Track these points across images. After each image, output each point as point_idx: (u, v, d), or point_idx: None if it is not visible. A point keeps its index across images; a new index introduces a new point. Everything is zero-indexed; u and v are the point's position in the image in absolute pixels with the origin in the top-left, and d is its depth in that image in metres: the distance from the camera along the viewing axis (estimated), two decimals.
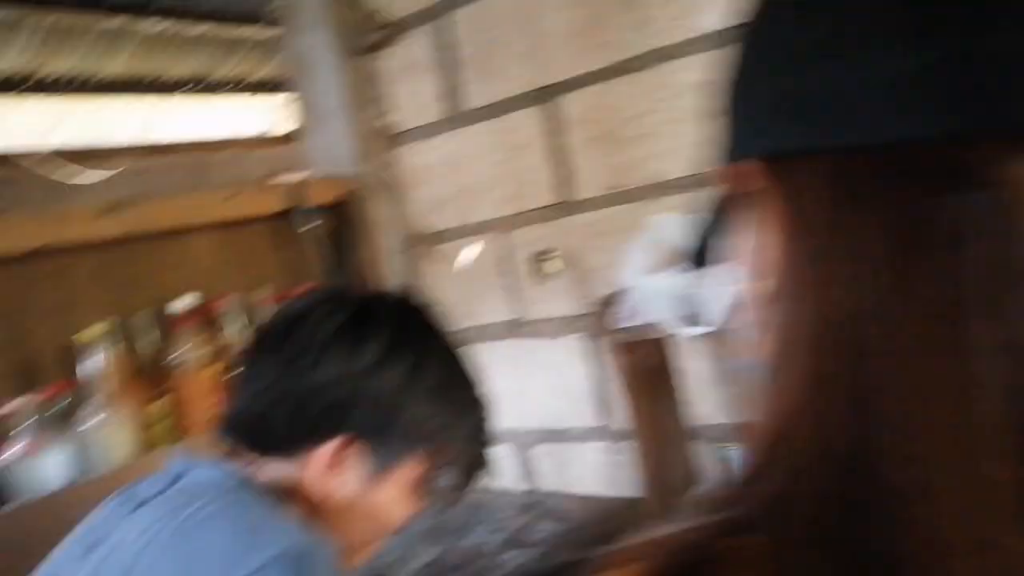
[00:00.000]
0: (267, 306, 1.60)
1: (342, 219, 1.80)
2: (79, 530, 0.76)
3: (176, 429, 1.41)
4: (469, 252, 1.79)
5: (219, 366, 1.45)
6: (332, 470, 0.78)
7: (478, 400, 0.89)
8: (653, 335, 1.24)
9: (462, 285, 1.83)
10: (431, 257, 1.86)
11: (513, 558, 1.56)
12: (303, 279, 1.70)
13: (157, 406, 1.39)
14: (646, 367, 1.32)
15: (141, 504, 0.72)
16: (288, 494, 0.77)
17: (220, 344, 1.50)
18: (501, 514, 1.80)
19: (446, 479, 0.86)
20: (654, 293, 1.18)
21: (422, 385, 0.81)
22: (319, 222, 1.68)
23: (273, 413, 0.78)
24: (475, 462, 0.89)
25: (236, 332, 1.53)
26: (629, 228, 1.38)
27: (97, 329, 1.35)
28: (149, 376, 1.40)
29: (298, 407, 0.77)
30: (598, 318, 1.27)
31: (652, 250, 1.21)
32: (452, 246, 1.82)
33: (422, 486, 0.84)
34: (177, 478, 0.76)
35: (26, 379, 1.34)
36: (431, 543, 1.72)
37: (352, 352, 0.78)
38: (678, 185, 1.48)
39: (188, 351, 1.41)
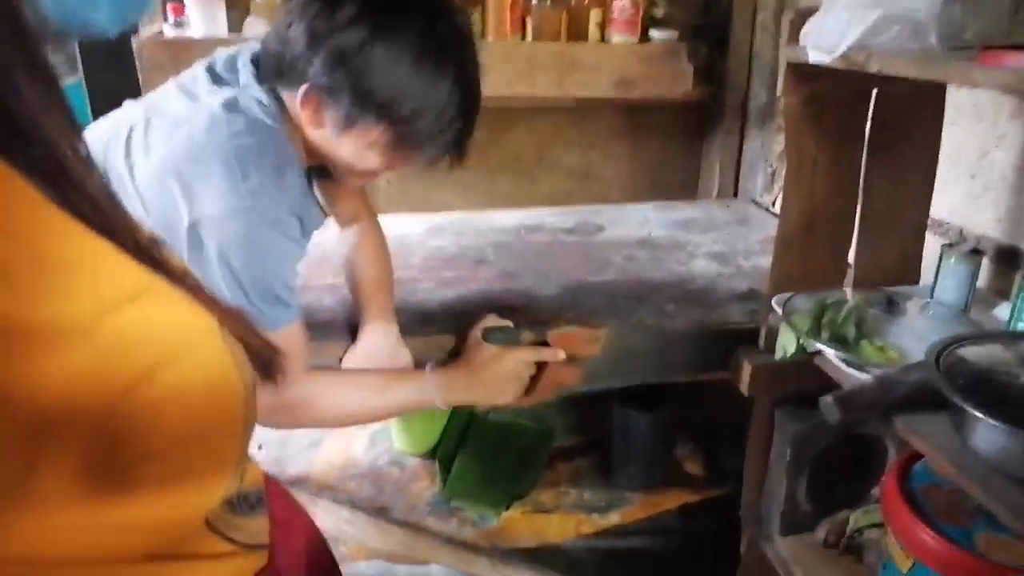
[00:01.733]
0: None
1: None
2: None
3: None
4: None
5: None
6: (303, 110, 0.92)
7: (450, 88, 0.89)
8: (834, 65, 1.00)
9: None
10: None
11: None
12: None
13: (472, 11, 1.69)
14: (820, 101, 1.09)
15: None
16: (292, 117, 0.95)
17: None
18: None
19: (416, 151, 0.95)
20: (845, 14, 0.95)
21: (383, 54, 0.86)
22: None
23: (275, 55, 0.93)
24: (441, 144, 0.95)
25: None
26: None
27: None
28: None
29: (280, 53, 0.92)
30: (793, 34, 1.06)
31: None
32: None
33: (391, 150, 0.94)
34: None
35: None
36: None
37: (324, 10, 0.87)
38: None
39: None
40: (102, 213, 0.37)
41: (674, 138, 2.12)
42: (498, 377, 1.11)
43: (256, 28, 1.64)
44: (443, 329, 1.25)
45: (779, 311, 1.12)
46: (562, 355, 1.18)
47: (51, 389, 0.32)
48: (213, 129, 0.90)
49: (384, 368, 1.16)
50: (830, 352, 1.00)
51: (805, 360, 1.08)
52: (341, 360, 1.20)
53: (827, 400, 0.86)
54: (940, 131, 1.19)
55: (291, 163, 0.96)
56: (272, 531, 0.57)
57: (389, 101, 0.89)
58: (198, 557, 0.47)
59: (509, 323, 1.21)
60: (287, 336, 0.96)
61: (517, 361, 1.12)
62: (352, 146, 0.95)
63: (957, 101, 1.28)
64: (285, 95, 0.96)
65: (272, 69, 0.95)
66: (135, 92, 1.01)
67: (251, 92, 0.95)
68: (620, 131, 2.10)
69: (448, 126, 0.93)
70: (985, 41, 0.75)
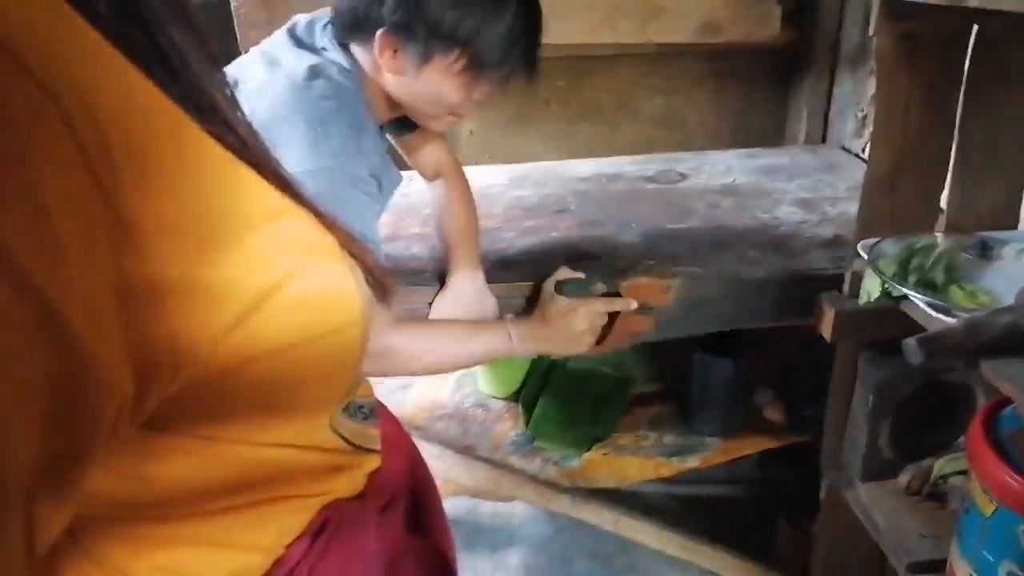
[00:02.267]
0: None
1: None
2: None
3: None
4: None
5: None
6: (382, 56, 0.99)
7: (507, 11, 0.96)
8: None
9: None
10: None
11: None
12: None
13: None
14: (914, 40, 1.05)
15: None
16: (369, 75, 1.03)
17: None
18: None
19: (490, 73, 1.00)
20: None
21: None
22: None
23: (349, 9, 1.00)
24: (513, 61, 1.01)
25: None
26: None
27: None
28: None
29: (354, 6, 0.98)
30: None
31: None
32: None
33: (467, 77, 1.00)
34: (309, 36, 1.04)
35: None
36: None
37: None
38: None
39: None
40: (246, 143, 0.43)
41: (760, 83, 2.07)
42: (572, 328, 1.15)
43: None
44: (524, 276, 1.29)
45: (864, 256, 1.11)
46: (634, 305, 1.20)
47: (198, 307, 0.38)
48: (296, 92, 0.96)
49: (467, 319, 1.21)
50: (916, 296, 0.99)
51: (890, 306, 1.07)
52: (431, 304, 1.26)
53: (910, 342, 0.86)
54: None
55: (368, 127, 1.02)
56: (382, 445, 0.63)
57: (458, 25, 0.95)
58: (321, 449, 0.54)
59: (581, 275, 1.23)
60: None
61: (590, 312, 1.15)
62: (431, 82, 1.01)
63: None
64: (361, 52, 1.01)
65: (347, 23, 1.00)
66: (233, 51, 1.07)
67: (330, 56, 1.00)
68: (704, 76, 2.06)
69: (516, 42, 0.99)
70: None
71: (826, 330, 1.20)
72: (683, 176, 1.78)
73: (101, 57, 0.35)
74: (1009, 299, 0.94)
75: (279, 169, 0.46)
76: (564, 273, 1.24)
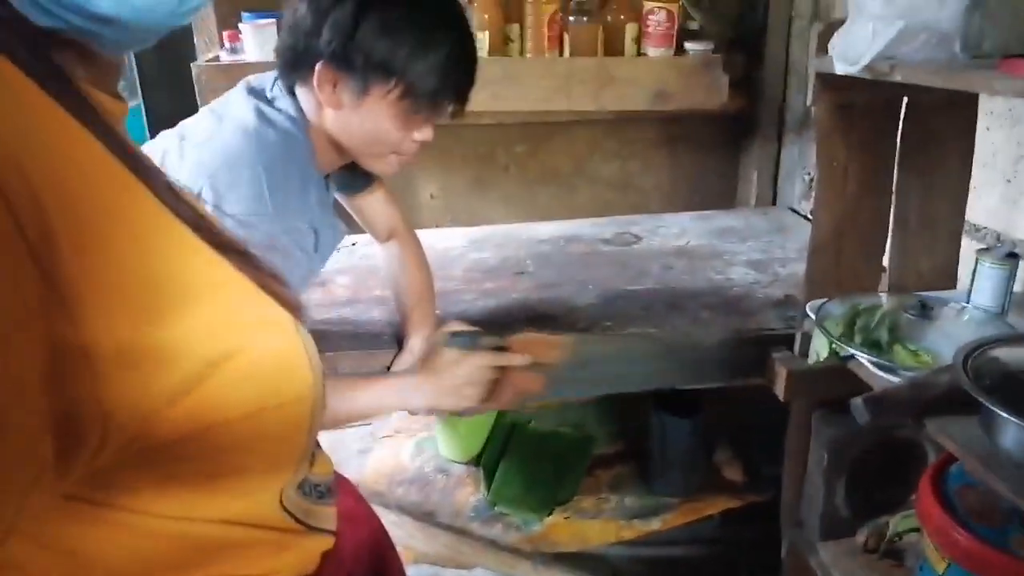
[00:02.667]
0: None
1: None
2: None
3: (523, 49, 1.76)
4: None
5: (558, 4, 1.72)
6: (322, 91, 0.99)
7: (440, 42, 0.97)
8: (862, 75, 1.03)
9: None
10: None
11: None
12: None
13: (512, 29, 1.75)
14: (850, 110, 1.11)
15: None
16: (314, 121, 1.02)
17: None
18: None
19: (425, 105, 1.00)
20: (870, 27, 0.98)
21: (373, 20, 0.94)
22: None
23: (289, 47, 1.00)
24: (446, 93, 1.01)
25: None
26: None
27: None
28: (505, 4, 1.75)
29: (293, 43, 0.99)
30: (821, 45, 1.09)
31: None
32: None
33: (403, 109, 0.99)
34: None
35: None
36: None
37: None
38: None
39: None
40: (194, 208, 0.43)
41: (712, 148, 2.14)
42: (456, 381, 1.09)
43: None
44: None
45: (812, 316, 1.14)
46: (521, 360, 1.14)
47: (135, 390, 0.38)
48: (245, 140, 0.97)
49: (355, 375, 1.19)
50: (862, 356, 1.02)
51: (839, 366, 1.10)
52: (389, 368, 1.25)
53: (857, 402, 0.88)
54: (973, 137, 1.20)
55: (314, 178, 1.03)
56: (339, 523, 0.62)
57: (391, 55, 0.95)
58: (270, 528, 0.52)
59: (473, 328, 1.21)
60: None
61: (475, 366, 1.10)
62: (371, 117, 1.00)
63: (992, 106, 1.29)
64: (304, 94, 1.01)
65: (288, 62, 1.01)
66: (193, 115, 1.08)
67: (280, 105, 1.01)
68: (658, 141, 2.13)
69: (450, 73, 0.99)
70: (1006, 50, 0.77)
71: (779, 389, 1.22)
72: (638, 238, 1.82)
73: (39, 119, 0.35)
74: (949, 358, 0.97)
75: (224, 232, 0.46)
76: (455, 326, 1.21)
